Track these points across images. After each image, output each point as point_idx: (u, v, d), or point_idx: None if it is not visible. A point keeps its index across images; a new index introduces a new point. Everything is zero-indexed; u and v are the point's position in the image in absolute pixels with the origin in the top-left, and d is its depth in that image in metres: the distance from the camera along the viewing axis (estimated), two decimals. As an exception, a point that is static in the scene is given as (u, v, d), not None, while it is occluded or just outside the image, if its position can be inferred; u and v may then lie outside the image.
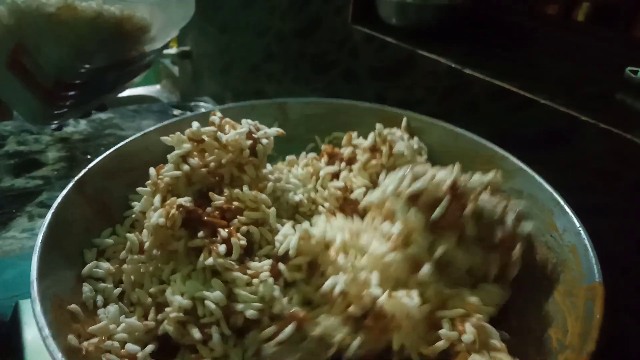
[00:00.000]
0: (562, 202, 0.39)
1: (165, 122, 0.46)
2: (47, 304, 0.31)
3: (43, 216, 0.70)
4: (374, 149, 0.47)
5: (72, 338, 0.31)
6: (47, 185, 0.77)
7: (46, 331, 0.28)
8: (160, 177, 0.38)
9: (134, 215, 0.42)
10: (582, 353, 0.29)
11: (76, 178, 0.39)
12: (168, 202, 0.36)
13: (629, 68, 0.55)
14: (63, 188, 0.80)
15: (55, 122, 0.55)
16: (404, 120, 0.49)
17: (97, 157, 0.42)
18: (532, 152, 0.54)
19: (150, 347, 0.34)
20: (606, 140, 0.46)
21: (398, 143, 0.45)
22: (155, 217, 0.35)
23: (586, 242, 0.36)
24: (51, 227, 0.35)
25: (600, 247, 0.42)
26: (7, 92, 0.45)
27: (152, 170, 0.40)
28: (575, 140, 0.49)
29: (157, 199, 0.37)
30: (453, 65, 0.59)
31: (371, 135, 0.47)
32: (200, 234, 0.35)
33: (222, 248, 0.34)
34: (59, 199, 0.37)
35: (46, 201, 0.73)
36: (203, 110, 0.91)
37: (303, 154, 0.52)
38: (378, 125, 0.47)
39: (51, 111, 0.48)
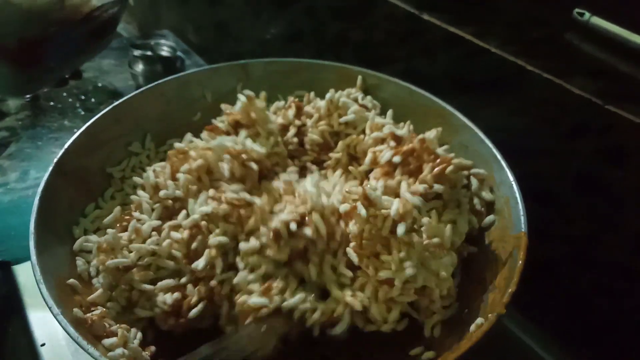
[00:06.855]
0: (499, 157, 0.43)
1: (133, 94, 0.47)
2: (51, 283, 0.35)
3: (14, 169, 0.72)
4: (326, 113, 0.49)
5: (77, 311, 0.35)
6: (13, 137, 0.76)
7: (55, 309, 0.32)
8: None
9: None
10: (504, 295, 0.35)
11: (55, 161, 0.41)
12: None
13: (577, 10, 0.58)
14: (31, 139, 0.80)
15: (30, 92, 0.54)
16: (359, 79, 0.51)
17: (71, 137, 0.43)
18: (484, 96, 0.58)
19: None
20: (548, 89, 0.50)
21: (350, 109, 0.47)
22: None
23: (517, 195, 0.40)
24: (40, 212, 0.38)
25: (541, 184, 0.47)
26: None
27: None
28: (521, 87, 0.53)
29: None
30: (411, 11, 0.60)
31: (328, 96, 0.49)
32: None
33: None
34: (42, 184, 0.40)
35: (16, 153, 0.73)
36: (165, 50, 0.89)
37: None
38: (330, 93, 0.49)
39: (24, 77, 0.48)
